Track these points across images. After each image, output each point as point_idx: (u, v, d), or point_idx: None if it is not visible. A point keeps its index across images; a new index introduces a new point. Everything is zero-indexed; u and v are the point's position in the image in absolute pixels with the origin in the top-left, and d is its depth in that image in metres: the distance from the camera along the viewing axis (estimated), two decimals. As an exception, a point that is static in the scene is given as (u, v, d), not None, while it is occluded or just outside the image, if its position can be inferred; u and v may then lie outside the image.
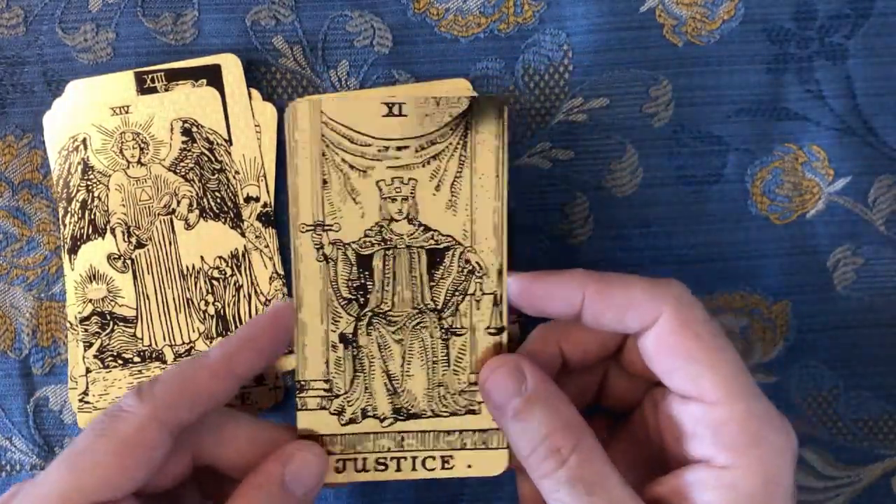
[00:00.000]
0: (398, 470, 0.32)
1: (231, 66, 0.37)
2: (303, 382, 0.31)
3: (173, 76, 0.37)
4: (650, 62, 0.37)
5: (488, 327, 0.31)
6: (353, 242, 0.31)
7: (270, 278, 0.37)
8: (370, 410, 0.32)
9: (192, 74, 0.37)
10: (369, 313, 0.31)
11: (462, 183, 0.31)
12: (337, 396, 0.31)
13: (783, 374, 0.38)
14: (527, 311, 0.31)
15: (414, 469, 0.32)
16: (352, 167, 0.30)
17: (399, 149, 0.30)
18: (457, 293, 0.31)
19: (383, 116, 0.30)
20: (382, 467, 0.32)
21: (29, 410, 0.38)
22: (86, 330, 0.37)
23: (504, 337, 0.31)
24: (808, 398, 0.38)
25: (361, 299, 0.31)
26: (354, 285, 0.31)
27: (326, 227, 0.30)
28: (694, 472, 0.28)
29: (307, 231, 0.30)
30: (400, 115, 0.30)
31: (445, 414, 0.32)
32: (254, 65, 0.37)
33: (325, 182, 0.30)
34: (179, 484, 0.31)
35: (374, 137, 0.30)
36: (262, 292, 0.37)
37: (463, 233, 0.31)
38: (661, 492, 0.29)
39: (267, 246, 0.37)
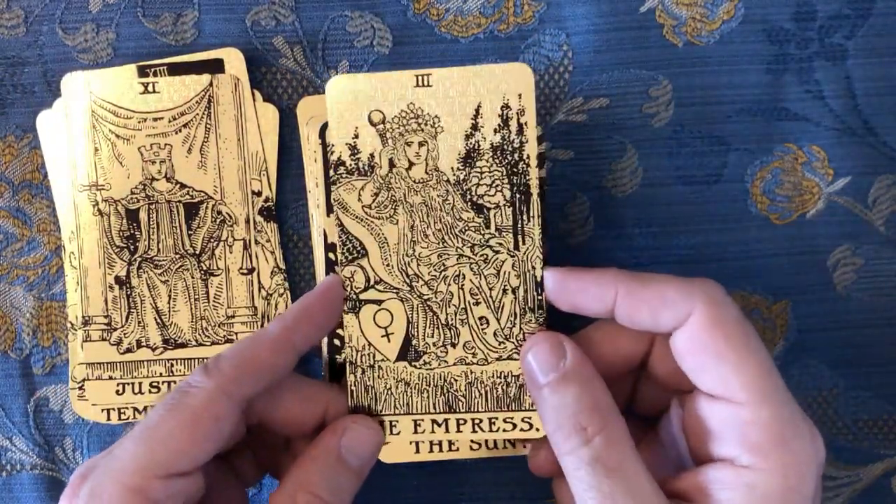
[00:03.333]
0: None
1: (234, 61, 0.37)
2: (87, 318, 0.37)
3: (175, 70, 0.37)
4: (650, 62, 0.37)
5: (240, 268, 0.37)
6: (123, 199, 0.36)
7: (272, 273, 0.37)
8: (143, 341, 0.37)
9: (195, 68, 0.37)
10: (139, 259, 0.37)
11: (209, 146, 0.36)
12: (115, 329, 0.37)
13: (783, 374, 0.38)
14: (560, 306, 0.32)
15: None
16: (117, 136, 0.36)
17: (155, 119, 0.36)
18: (212, 240, 0.36)
19: (140, 94, 0.36)
20: (156, 390, 0.37)
21: (29, 410, 0.38)
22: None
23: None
24: (808, 398, 0.38)
25: (132, 247, 0.37)
26: (125, 235, 0.36)
27: (99, 187, 0.36)
28: (716, 469, 0.28)
29: (84, 190, 0.36)
30: (154, 91, 0.36)
31: (207, 343, 0.37)
32: (254, 65, 0.37)
33: (96, 150, 0.36)
34: (235, 448, 0.32)
35: (133, 111, 0.36)
36: (263, 287, 0.37)
37: (213, 188, 0.37)
38: (681, 487, 0.29)
39: (268, 240, 0.37)
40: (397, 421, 0.33)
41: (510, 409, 0.33)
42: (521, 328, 0.32)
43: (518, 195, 0.32)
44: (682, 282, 0.29)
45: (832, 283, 0.38)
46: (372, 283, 0.33)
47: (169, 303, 0.37)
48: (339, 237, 0.32)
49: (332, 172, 0.32)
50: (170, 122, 0.36)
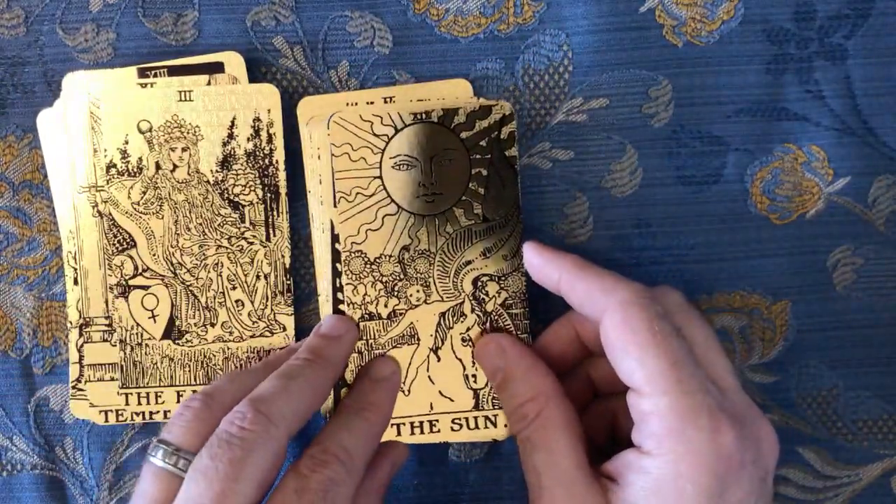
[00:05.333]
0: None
1: (234, 66, 0.37)
2: (87, 319, 0.37)
3: (176, 72, 0.37)
4: (650, 62, 0.37)
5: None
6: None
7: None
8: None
9: (195, 71, 0.37)
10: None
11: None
12: (115, 330, 0.37)
13: (783, 374, 0.38)
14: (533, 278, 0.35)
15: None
16: None
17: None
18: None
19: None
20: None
21: (30, 410, 0.38)
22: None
23: None
24: (807, 398, 0.38)
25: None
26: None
27: (99, 188, 0.37)
28: (630, 453, 0.31)
29: (83, 192, 0.37)
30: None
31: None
32: (254, 65, 0.37)
33: (95, 151, 0.36)
34: None
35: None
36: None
37: None
38: (608, 468, 0.32)
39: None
40: (162, 392, 0.37)
41: None
42: (272, 309, 0.37)
43: (269, 194, 0.37)
44: (610, 281, 0.32)
45: (832, 283, 0.38)
46: (140, 270, 0.37)
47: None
48: (111, 230, 0.36)
49: (104, 174, 0.36)
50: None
